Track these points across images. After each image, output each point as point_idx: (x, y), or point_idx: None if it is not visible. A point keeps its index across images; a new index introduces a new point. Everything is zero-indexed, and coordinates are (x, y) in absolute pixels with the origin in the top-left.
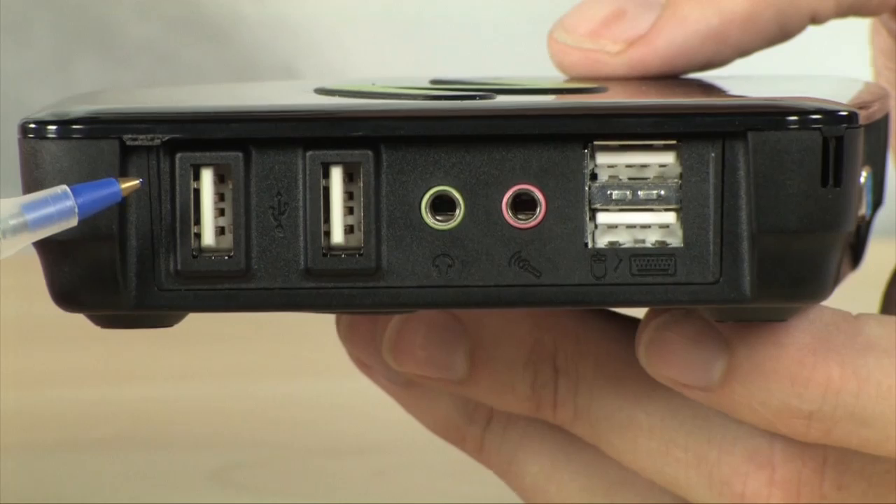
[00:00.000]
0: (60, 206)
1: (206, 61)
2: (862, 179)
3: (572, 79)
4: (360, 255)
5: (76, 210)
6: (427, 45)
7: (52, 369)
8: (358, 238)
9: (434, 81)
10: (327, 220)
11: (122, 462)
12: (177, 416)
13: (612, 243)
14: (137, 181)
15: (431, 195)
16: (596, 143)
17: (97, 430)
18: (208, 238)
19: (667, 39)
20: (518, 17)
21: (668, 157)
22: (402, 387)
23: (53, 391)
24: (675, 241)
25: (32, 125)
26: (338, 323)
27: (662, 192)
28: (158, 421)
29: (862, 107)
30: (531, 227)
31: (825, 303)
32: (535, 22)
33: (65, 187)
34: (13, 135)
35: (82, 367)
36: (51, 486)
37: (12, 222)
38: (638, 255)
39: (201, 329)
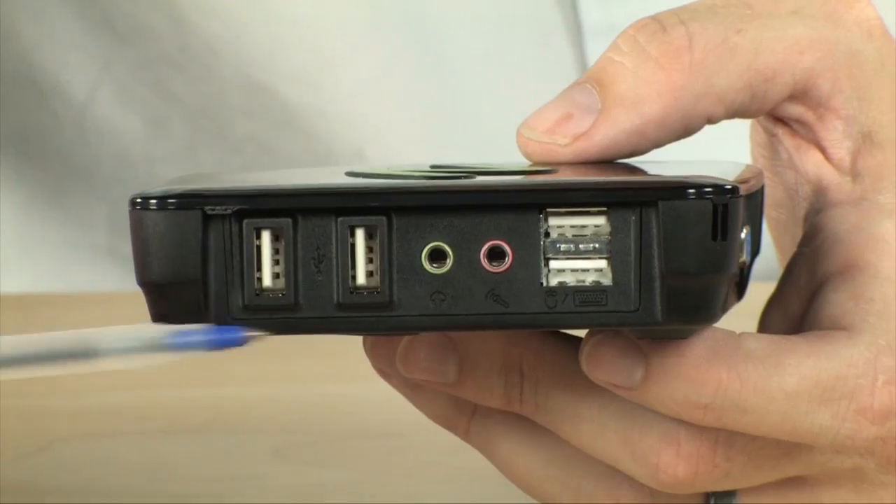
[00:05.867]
0: (196, 339)
1: (295, 149)
2: (743, 235)
3: (533, 163)
4: (378, 292)
5: (208, 345)
6: (458, 133)
7: (158, 375)
8: (376, 280)
9: (433, 166)
10: (353, 267)
11: (210, 441)
12: (248, 408)
13: (560, 283)
14: (262, 334)
15: (429, 249)
16: (548, 210)
17: (193, 419)
18: (267, 281)
19: (601, 135)
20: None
21: (601, 220)
22: (411, 388)
23: (160, 391)
24: (607, 280)
25: (139, 200)
26: (364, 342)
27: (597, 246)
28: (236, 412)
29: (742, 182)
30: (502, 272)
31: (716, 325)
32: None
33: (207, 326)
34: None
35: (179, 373)
36: (159, 458)
37: (152, 342)
38: (580, 291)
39: (264, 347)
